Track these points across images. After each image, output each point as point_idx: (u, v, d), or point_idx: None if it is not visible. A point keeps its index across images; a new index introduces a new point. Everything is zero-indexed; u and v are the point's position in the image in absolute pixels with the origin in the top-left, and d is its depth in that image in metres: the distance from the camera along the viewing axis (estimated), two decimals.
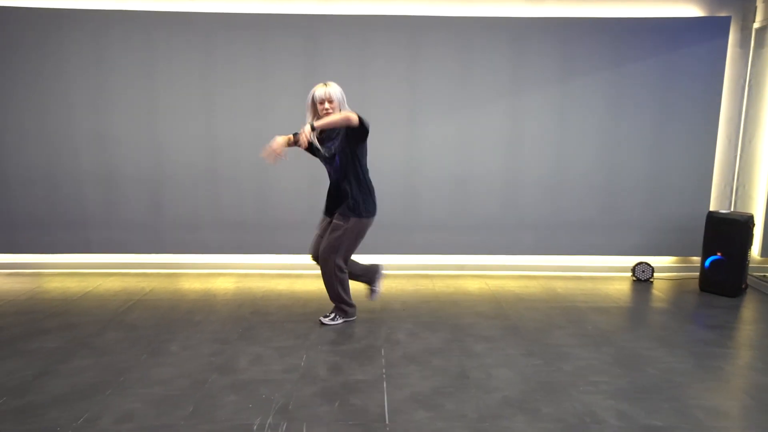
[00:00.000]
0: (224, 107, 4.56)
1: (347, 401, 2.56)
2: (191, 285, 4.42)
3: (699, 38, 4.43)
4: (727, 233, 4.19)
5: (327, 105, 3.25)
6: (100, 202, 4.66)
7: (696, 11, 4.49)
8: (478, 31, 4.48)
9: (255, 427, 2.34)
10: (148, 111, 4.54)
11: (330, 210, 3.48)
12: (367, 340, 3.27)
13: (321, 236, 3.49)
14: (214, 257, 4.81)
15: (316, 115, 3.31)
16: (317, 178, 4.60)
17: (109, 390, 2.64)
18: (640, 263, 4.58)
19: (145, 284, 4.40)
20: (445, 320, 3.63)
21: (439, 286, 4.42)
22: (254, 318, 3.64)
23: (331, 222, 3.43)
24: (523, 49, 4.49)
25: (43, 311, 3.73)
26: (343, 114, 3.18)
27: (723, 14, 4.47)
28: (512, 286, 4.46)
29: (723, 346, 3.25)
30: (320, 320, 3.55)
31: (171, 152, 4.60)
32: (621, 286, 4.48)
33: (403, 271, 4.77)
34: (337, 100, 3.27)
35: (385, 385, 2.72)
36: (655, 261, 4.69)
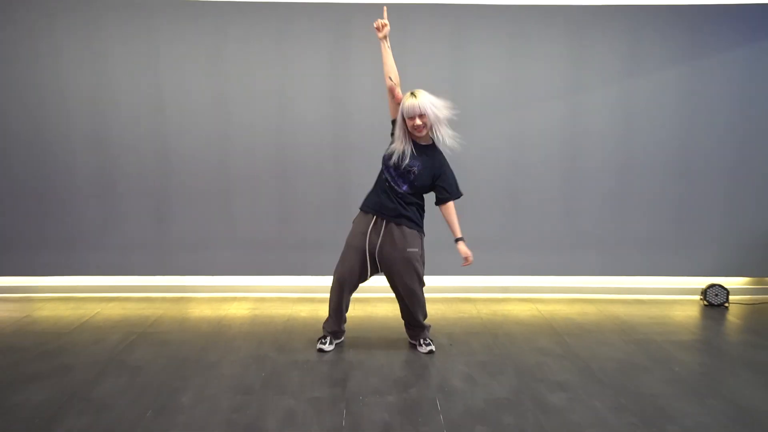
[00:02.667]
0: (239, 107, 4.01)
1: None
2: (201, 312, 3.87)
3: None
4: None
5: (418, 121, 2.79)
6: (98, 216, 4.11)
7: None
8: (533, 20, 3.93)
9: None
10: (153, 111, 4.00)
11: (385, 212, 2.97)
12: (416, 389, 2.72)
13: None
14: (227, 279, 4.26)
15: (406, 134, 2.86)
16: (346, 190, 4.07)
17: None
18: (712, 285, 4.02)
19: (150, 312, 3.85)
20: (503, 359, 3.07)
21: (485, 313, 3.87)
22: (279, 357, 3.08)
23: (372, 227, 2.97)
24: (585, 41, 3.96)
25: (31, 349, 3.18)
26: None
27: None
28: (568, 312, 3.90)
29: None
30: (426, 352, 3.14)
31: (178, 159, 4.06)
32: (691, 313, 3.92)
33: (440, 294, 4.21)
34: (431, 113, 2.79)
35: None
36: (728, 282, 4.13)
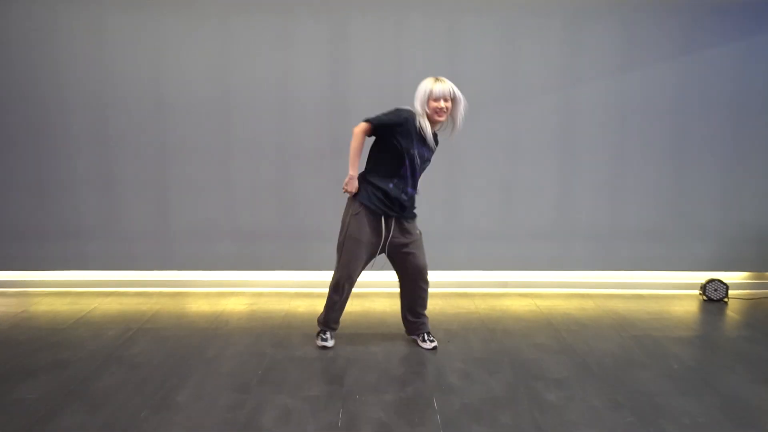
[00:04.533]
0: (240, 102, 3.99)
1: None
2: (199, 307, 3.87)
3: None
4: None
5: (443, 104, 2.83)
6: (96, 209, 4.10)
7: None
8: (526, 14, 3.89)
9: None
10: (154, 106, 3.98)
11: (401, 214, 2.99)
12: (413, 386, 2.71)
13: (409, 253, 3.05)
14: (225, 274, 4.25)
15: (425, 111, 2.88)
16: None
17: None
18: (711, 280, 4.01)
19: (147, 307, 3.84)
20: (501, 356, 3.06)
21: (483, 308, 3.86)
22: (276, 353, 3.08)
23: (389, 228, 2.99)
24: (578, 36, 3.92)
25: (29, 344, 3.18)
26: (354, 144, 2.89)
27: None
28: (566, 307, 3.90)
29: None
30: (431, 348, 3.15)
31: (179, 152, 4.04)
32: (690, 308, 3.91)
33: (439, 289, 4.20)
34: (459, 96, 2.89)
35: None
36: (727, 277, 4.12)
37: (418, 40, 3.95)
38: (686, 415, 2.44)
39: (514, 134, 4.05)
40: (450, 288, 4.25)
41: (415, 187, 3.00)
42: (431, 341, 3.15)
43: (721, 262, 4.16)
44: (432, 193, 4.06)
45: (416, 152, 2.88)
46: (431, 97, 2.83)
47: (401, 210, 2.97)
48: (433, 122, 2.91)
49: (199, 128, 4.03)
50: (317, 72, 3.97)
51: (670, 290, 4.23)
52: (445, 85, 2.84)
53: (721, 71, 3.95)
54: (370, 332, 3.40)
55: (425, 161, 2.97)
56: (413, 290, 3.12)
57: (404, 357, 3.05)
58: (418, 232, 3.07)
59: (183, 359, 2.99)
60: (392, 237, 2.99)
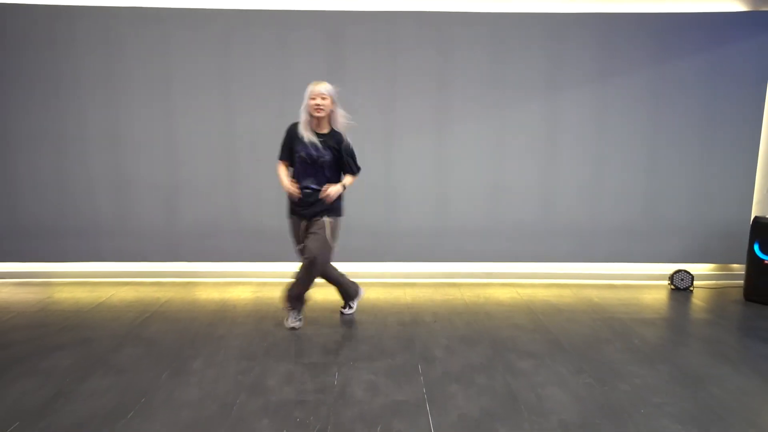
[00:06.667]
0: (244, 108, 4.36)
1: (390, 426, 2.35)
2: (209, 295, 4.22)
3: (743, 34, 4.23)
4: None
5: (320, 101, 3.26)
6: (113, 207, 4.46)
7: (739, 6, 4.28)
8: (512, 27, 4.28)
9: None
10: (164, 111, 4.35)
11: (311, 215, 3.38)
12: (402, 356, 3.06)
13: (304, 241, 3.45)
14: (231, 265, 4.60)
15: (309, 114, 3.31)
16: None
17: (131, 413, 2.43)
18: (678, 271, 4.37)
19: (160, 294, 4.19)
20: (482, 333, 3.41)
21: (469, 296, 4.21)
22: (279, 331, 3.43)
23: (309, 224, 3.40)
24: (560, 47, 4.30)
25: (55, 324, 3.53)
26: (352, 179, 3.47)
27: (767, 9, 4.27)
28: (545, 295, 4.24)
29: None
30: (342, 312, 3.76)
31: (187, 155, 4.41)
32: (659, 296, 4.26)
33: (429, 280, 4.56)
34: (330, 96, 3.29)
35: (428, 407, 2.51)
36: (693, 269, 4.47)
37: (410, 49, 4.31)
38: (638, 377, 2.79)
39: (499, 137, 4.42)
40: (440, 279, 4.59)
41: (318, 183, 3.34)
42: (347, 308, 3.78)
43: (689, 255, 4.51)
44: (422, 192, 4.42)
45: (304, 153, 3.29)
46: (308, 97, 3.26)
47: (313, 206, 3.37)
48: (316, 119, 3.29)
49: (205, 132, 4.38)
50: (313, 77, 4.32)
51: (642, 281, 4.58)
52: (319, 85, 3.26)
53: (690, 80, 4.31)
54: (365, 317, 3.75)
55: (318, 158, 3.30)
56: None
57: (395, 335, 3.39)
58: (331, 220, 3.40)
59: (196, 336, 3.34)
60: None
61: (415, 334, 3.41)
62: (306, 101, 3.28)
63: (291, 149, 3.36)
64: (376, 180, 4.41)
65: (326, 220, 3.36)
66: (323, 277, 3.55)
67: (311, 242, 3.34)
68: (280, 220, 4.49)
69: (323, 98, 3.24)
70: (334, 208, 3.40)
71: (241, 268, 4.61)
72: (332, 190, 3.31)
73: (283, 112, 4.36)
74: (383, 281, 4.55)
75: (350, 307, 3.78)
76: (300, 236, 3.44)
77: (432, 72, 4.32)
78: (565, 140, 4.42)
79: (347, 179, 3.43)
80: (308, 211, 3.37)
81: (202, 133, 4.39)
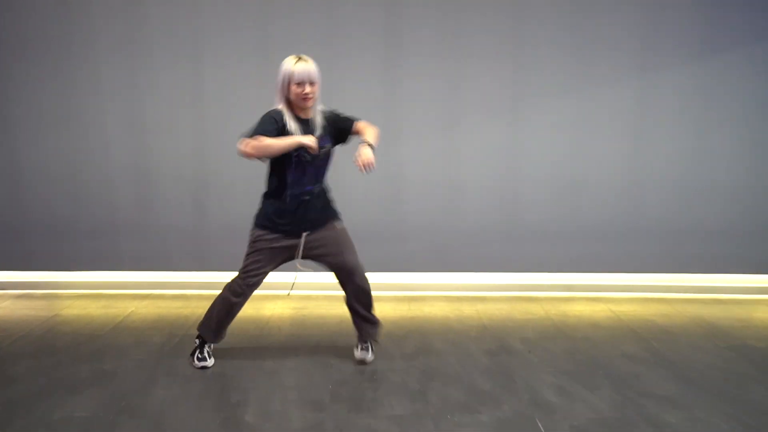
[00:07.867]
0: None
1: None
2: (243, 311, 3.54)
3: None
4: None
5: (308, 89, 2.40)
6: (133, 207, 3.80)
7: None
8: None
9: None
10: (192, 98, 3.68)
11: (315, 224, 2.61)
12: (509, 404, 2.41)
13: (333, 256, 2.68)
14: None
15: (288, 98, 2.44)
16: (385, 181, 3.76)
17: None
18: None
19: (188, 311, 3.54)
20: (592, 368, 2.76)
21: (554, 314, 3.56)
22: (342, 365, 2.78)
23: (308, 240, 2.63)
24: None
25: (67, 352, 2.88)
26: (376, 130, 2.57)
27: None
28: (644, 312, 3.59)
29: None
30: (358, 356, 2.82)
31: (218, 146, 3.74)
32: None
33: (501, 293, 3.90)
34: (319, 83, 2.45)
35: None
36: None
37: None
38: None
39: (581, 126, 3.75)
40: (514, 291, 3.91)
41: (320, 182, 2.60)
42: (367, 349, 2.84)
43: None
44: (491, 191, 3.78)
45: (301, 152, 2.44)
46: (293, 80, 2.39)
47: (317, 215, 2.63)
48: (300, 110, 2.47)
49: (235, 124, 3.72)
50: (367, 62, 3.67)
51: (753, 294, 3.91)
52: (306, 67, 2.38)
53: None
54: (439, 343, 3.10)
55: (321, 151, 2.50)
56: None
57: (486, 369, 2.74)
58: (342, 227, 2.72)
59: (240, 371, 2.70)
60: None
61: (511, 368, 2.76)
62: (285, 84, 2.41)
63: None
64: (433, 173, 3.76)
65: (339, 225, 2.68)
66: (348, 303, 2.83)
67: (348, 254, 2.65)
68: None
69: (312, 85, 2.41)
70: (334, 210, 2.70)
71: (278, 278, 3.94)
72: (369, 153, 2.42)
73: (327, 93, 3.70)
74: (446, 294, 3.89)
75: (369, 350, 2.82)
76: (280, 260, 2.68)
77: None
78: (659, 129, 3.74)
79: (368, 134, 2.52)
80: (312, 222, 2.58)
81: (234, 121, 3.71)
